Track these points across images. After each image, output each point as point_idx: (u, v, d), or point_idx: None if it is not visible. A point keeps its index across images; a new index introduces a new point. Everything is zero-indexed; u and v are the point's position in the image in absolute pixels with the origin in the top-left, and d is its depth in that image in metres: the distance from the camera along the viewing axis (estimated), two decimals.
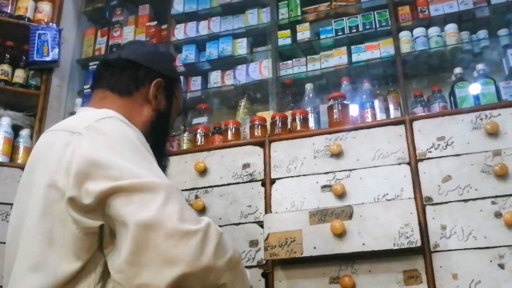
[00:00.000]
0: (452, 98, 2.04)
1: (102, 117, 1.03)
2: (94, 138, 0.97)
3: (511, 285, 1.58)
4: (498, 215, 1.66)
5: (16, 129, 2.34)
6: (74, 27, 2.74)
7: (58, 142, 1.00)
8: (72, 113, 2.56)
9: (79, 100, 2.59)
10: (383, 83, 2.32)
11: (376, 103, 2.14)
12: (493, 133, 1.75)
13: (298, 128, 2.08)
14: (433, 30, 2.18)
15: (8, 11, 2.44)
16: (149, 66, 1.22)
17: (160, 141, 1.23)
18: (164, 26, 2.65)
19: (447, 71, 2.21)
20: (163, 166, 1.20)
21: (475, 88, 2.00)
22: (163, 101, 1.24)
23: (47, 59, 2.40)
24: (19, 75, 2.40)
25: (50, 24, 2.50)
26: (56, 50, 2.43)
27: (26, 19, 2.47)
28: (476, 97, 1.98)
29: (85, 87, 2.63)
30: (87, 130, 0.98)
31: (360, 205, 1.75)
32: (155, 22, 2.68)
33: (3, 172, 2.15)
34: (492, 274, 1.61)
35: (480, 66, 2.04)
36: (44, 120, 2.39)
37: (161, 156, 1.22)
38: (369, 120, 2.08)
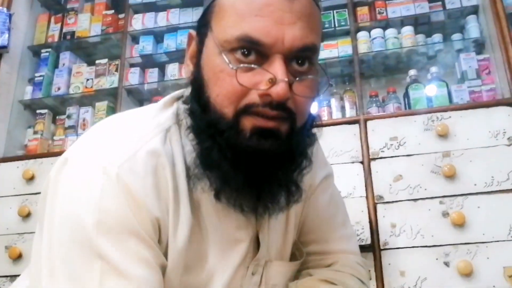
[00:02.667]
0: (406, 99, 2.08)
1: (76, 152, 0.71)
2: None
3: (456, 282, 1.63)
4: (445, 214, 1.71)
5: None
6: (26, 12, 2.62)
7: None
8: (21, 101, 2.47)
9: (29, 88, 2.49)
10: (340, 82, 2.34)
11: (333, 101, 2.16)
12: (443, 135, 1.79)
13: None
14: (390, 32, 2.21)
15: None
16: None
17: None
18: (121, 16, 2.57)
19: (402, 72, 2.25)
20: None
21: (428, 90, 2.04)
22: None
23: None
24: None
25: (0, 8, 2.38)
26: (6, 35, 2.33)
27: None
28: (429, 99, 2.03)
29: (36, 74, 2.52)
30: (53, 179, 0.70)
31: None
32: (112, 11, 2.60)
33: None
34: (438, 271, 1.66)
35: (433, 69, 2.09)
36: None
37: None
38: (325, 118, 2.09)
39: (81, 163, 0.68)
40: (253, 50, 0.66)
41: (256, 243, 0.79)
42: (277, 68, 0.65)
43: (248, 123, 0.66)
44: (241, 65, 0.65)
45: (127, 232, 0.64)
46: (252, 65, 0.66)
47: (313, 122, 0.76)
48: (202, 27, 0.73)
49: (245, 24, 0.65)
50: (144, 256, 0.65)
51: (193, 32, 0.77)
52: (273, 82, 0.64)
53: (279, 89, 0.64)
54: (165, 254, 0.70)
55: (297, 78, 0.67)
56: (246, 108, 0.66)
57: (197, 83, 0.71)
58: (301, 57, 0.68)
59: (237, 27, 0.66)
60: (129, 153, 0.68)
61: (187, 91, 0.78)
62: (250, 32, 0.65)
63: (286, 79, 0.64)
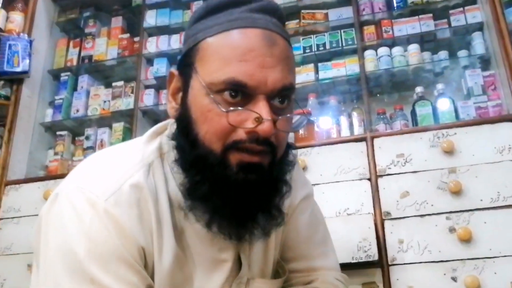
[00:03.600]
0: (413, 116, 2.12)
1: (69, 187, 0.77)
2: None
3: None
4: (452, 230, 1.74)
5: None
6: (46, 38, 2.75)
7: None
8: (42, 124, 2.58)
9: (49, 111, 2.60)
10: (348, 100, 2.39)
11: (342, 119, 2.21)
12: (449, 151, 1.83)
13: None
14: (397, 50, 2.26)
15: None
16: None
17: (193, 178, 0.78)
18: (136, 39, 2.67)
19: (409, 89, 2.29)
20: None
21: (435, 107, 2.08)
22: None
23: (18, 69, 2.41)
24: None
25: (21, 34, 2.50)
26: (27, 60, 2.44)
27: None
28: (436, 116, 2.06)
29: (56, 97, 2.63)
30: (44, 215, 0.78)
31: None
32: (128, 35, 2.71)
33: None
34: (446, 286, 1.68)
35: (440, 86, 2.13)
36: (14, 130, 2.39)
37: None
38: (334, 136, 2.14)
39: (70, 198, 0.74)
40: (239, 92, 0.72)
41: (238, 262, 0.85)
42: (262, 108, 0.72)
43: (234, 158, 0.73)
44: (231, 108, 0.72)
45: (116, 259, 0.71)
46: (239, 108, 0.72)
47: (289, 150, 0.83)
48: (186, 67, 0.79)
49: (231, 69, 0.72)
50: (132, 281, 0.71)
51: (174, 71, 0.83)
52: (259, 121, 0.71)
53: (265, 127, 0.71)
54: (152, 278, 0.76)
55: (280, 117, 0.74)
56: (234, 144, 0.73)
57: (185, 120, 0.77)
58: (282, 96, 0.75)
59: (223, 71, 0.72)
60: (114, 187, 0.74)
61: (170, 125, 0.85)
62: (236, 76, 0.71)
63: (270, 118, 0.71)
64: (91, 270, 0.69)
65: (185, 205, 0.77)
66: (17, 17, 2.56)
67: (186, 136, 0.76)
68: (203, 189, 0.74)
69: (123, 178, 0.76)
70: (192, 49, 0.78)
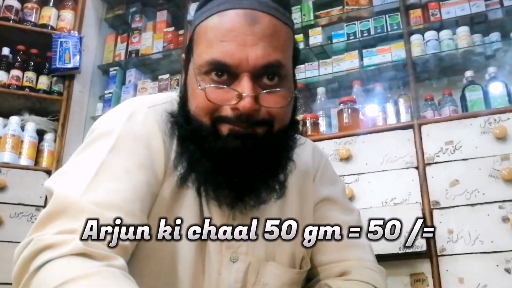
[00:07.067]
0: (462, 102, 2.04)
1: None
2: None
3: None
4: (505, 219, 1.67)
5: (40, 133, 2.45)
6: (96, 34, 2.84)
7: None
8: (94, 117, 2.67)
9: (100, 105, 2.69)
10: (395, 86, 2.33)
11: (388, 106, 2.15)
12: (502, 138, 1.75)
13: (309, 132, 2.12)
14: (445, 33, 2.18)
15: (32, 20, 2.55)
16: None
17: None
18: (181, 32, 2.71)
19: (458, 74, 2.20)
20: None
21: (486, 92, 1.99)
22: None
23: (69, 66, 2.50)
24: (43, 82, 2.50)
25: (72, 32, 2.59)
26: (77, 57, 2.53)
27: (49, 27, 2.57)
28: (487, 101, 1.98)
29: (106, 91, 2.72)
30: None
31: (368, 209, 1.78)
32: (172, 28, 2.75)
33: (28, 175, 2.25)
34: (498, 278, 1.63)
35: (491, 69, 2.03)
36: (67, 124, 2.48)
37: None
38: (380, 123, 2.10)
39: (113, 108, 0.86)
40: (224, 71, 0.76)
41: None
42: (244, 85, 0.74)
43: (225, 129, 0.77)
44: (208, 85, 0.76)
45: (141, 143, 0.79)
46: (220, 86, 0.76)
47: (294, 127, 0.85)
48: (187, 52, 0.85)
49: (213, 50, 0.76)
50: (145, 163, 0.78)
51: (183, 56, 0.89)
52: (240, 97, 0.74)
53: (245, 103, 0.74)
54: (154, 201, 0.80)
55: (264, 91, 0.76)
56: (221, 118, 0.77)
57: (182, 99, 0.84)
58: (270, 73, 0.77)
59: (207, 52, 0.77)
60: (154, 102, 0.85)
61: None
62: (217, 56, 0.75)
63: (251, 94, 0.74)
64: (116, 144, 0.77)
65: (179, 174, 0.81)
66: (67, 15, 2.65)
67: (182, 112, 0.82)
68: (196, 156, 0.78)
69: (161, 98, 0.88)
70: (192, 34, 0.83)
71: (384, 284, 0.91)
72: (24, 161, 2.33)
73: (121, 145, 0.77)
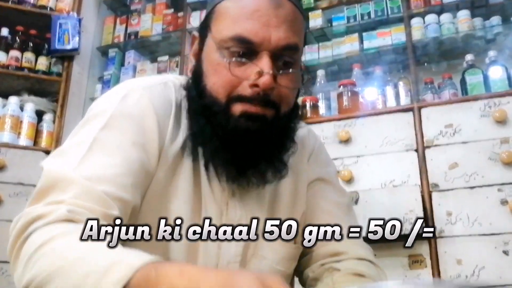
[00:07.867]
0: (462, 85, 2.04)
1: None
2: None
3: None
4: (504, 202, 1.68)
5: (39, 114, 2.44)
6: (94, 16, 2.82)
7: None
8: (92, 98, 2.66)
9: (99, 86, 2.68)
10: (394, 70, 2.33)
11: (387, 90, 2.15)
12: (501, 121, 1.76)
13: (308, 115, 2.12)
14: (445, 17, 2.17)
15: (31, 1, 2.52)
16: None
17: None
18: (180, 14, 2.69)
19: (458, 57, 2.20)
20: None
21: (486, 75, 2.00)
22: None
23: (68, 47, 2.48)
24: (42, 63, 2.48)
25: (71, 13, 2.57)
26: (76, 38, 2.51)
27: (48, 9, 2.55)
28: (487, 84, 1.98)
29: (105, 73, 2.71)
30: None
31: (367, 190, 1.79)
32: (172, 10, 2.73)
33: (27, 155, 2.25)
34: (496, 260, 1.64)
35: (492, 53, 2.03)
36: (66, 105, 2.48)
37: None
38: (380, 106, 2.10)
39: (111, 90, 0.86)
40: (246, 48, 0.78)
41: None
42: (264, 63, 0.77)
43: (237, 108, 0.78)
44: (234, 59, 0.78)
45: (133, 121, 0.79)
46: (243, 60, 0.78)
47: (296, 111, 0.88)
48: (203, 29, 0.86)
49: (238, 26, 0.78)
50: (138, 141, 0.78)
51: (196, 34, 0.90)
52: (260, 74, 0.77)
53: (265, 79, 0.76)
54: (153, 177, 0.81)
55: (281, 71, 0.79)
56: (238, 98, 0.78)
57: (197, 74, 0.85)
58: (287, 55, 0.80)
59: (231, 28, 0.79)
60: (149, 83, 0.85)
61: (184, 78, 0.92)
62: (242, 33, 0.78)
63: (271, 72, 0.76)
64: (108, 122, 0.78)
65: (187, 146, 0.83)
66: None
67: (196, 87, 0.83)
68: (206, 132, 0.81)
69: (157, 80, 0.88)
70: (210, 12, 0.84)
71: (377, 261, 0.92)
72: (23, 141, 2.33)
73: (114, 122, 0.78)
